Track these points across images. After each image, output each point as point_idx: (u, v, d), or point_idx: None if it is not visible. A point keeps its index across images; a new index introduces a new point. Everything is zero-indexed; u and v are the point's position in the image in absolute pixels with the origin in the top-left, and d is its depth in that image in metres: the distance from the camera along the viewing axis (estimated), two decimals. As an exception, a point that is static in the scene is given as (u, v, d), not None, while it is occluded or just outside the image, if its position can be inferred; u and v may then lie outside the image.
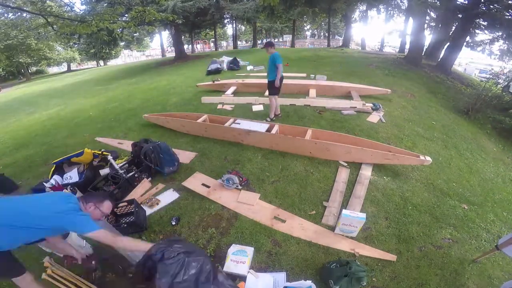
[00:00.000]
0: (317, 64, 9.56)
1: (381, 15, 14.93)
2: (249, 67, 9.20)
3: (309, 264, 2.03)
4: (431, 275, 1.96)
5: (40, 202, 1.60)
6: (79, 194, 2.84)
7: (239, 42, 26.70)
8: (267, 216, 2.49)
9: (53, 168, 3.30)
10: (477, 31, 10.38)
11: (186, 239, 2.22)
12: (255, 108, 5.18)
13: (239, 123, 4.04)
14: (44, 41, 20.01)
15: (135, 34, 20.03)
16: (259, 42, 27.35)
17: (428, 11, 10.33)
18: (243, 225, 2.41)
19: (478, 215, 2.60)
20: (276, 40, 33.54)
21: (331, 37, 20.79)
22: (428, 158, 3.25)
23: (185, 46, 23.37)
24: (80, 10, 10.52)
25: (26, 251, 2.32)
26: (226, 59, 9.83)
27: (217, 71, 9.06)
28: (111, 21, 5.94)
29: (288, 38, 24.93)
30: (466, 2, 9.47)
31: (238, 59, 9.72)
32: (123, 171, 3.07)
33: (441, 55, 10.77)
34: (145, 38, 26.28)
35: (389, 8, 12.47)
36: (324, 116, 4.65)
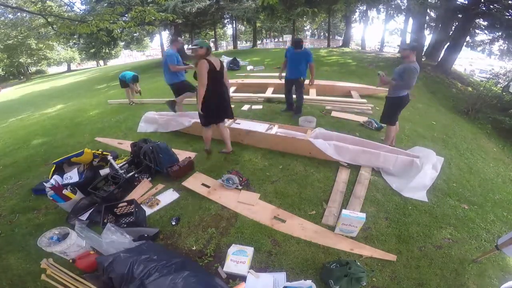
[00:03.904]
0: (317, 64, 9.56)
1: (381, 15, 14.95)
2: (249, 67, 9.21)
3: (309, 264, 2.03)
4: (431, 275, 1.96)
5: None
6: (79, 194, 2.84)
7: (239, 42, 26.67)
8: (267, 216, 2.49)
9: (53, 168, 3.30)
10: (477, 31, 10.39)
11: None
12: (254, 107, 5.18)
13: (239, 123, 4.04)
14: (44, 41, 20.02)
15: (135, 34, 20.02)
16: (259, 42, 27.36)
17: (428, 11, 10.34)
18: (243, 225, 2.41)
19: (478, 215, 2.60)
20: (276, 40, 33.51)
21: (331, 37, 20.79)
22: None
23: (185, 46, 23.34)
24: (80, 10, 10.54)
25: (26, 252, 2.33)
26: (225, 59, 9.84)
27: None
28: (111, 21, 5.94)
29: (288, 38, 24.91)
30: (466, 2, 9.47)
31: (238, 59, 9.72)
32: (123, 171, 3.07)
33: (441, 55, 10.78)
34: (145, 38, 26.24)
35: (389, 9, 12.47)
36: (325, 116, 4.64)
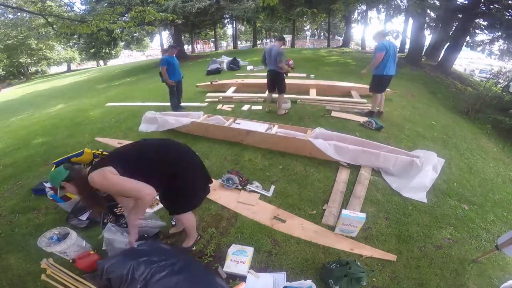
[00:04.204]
0: (317, 64, 9.56)
1: (381, 15, 14.95)
2: (249, 67, 9.21)
3: (309, 264, 2.03)
4: (431, 275, 1.96)
5: None
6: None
7: (239, 42, 26.69)
8: (267, 216, 2.49)
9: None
10: (477, 31, 10.39)
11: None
12: (254, 107, 5.18)
13: (239, 123, 4.05)
14: (44, 41, 20.02)
15: (135, 34, 20.03)
16: (259, 42, 27.38)
17: (428, 11, 10.34)
18: (243, 225, 2.41)
19: (478, 215, 2.60)
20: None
21: (331, 37, 20.81)
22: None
23: (185, 46, 23.39)
24: (80, 10, 10.54)
25: (26, 252, 2.33)
26: (225, 59, 9.83)
27: (217, 71, 9.06)
28: (111, 21, 5.94)
29: (288, 38, 24.96)
30: (466, 2, 9.48)
31: (237, 59, 9.72)
32: (123, 171, 3.06)
33: (441, 55, 10.78)
34: (145, 38, 26.26)
35: (389, 9, 12.48)
36: (324, 116, 4.65)
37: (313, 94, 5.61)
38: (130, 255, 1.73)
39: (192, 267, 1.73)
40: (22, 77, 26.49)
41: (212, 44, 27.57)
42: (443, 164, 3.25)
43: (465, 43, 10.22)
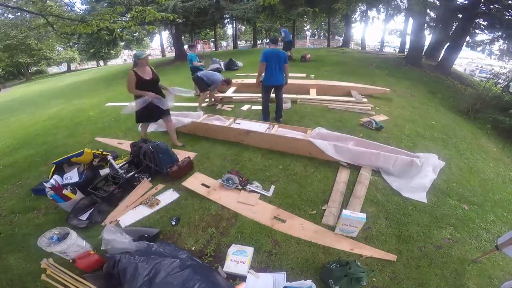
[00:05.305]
0: (317, 63, 9.56)
1: (381, 15, 14.96)
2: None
3: (309, 264, 2.03)
4: (431, 275, 1.96)
5: None
6: (79, 194, 2.84)
7: (239, 42, 26.69)
8: (267, 216, 2.49)
9: (53, 168, 3.30)
10: (477, 31, 10.40)
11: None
12: (254, 107, 5.18)
13: (239, 123, 4.05)
14: (44, 41, 19.99)
15: (135, 34, 20.03)
16: (259, 42, 27.40)
17: (428, 11, 10.34)
18: (243, 225, 2.41)
19: (478, 215, 2.60)
20: (276, 40, 33.47)
21: (331, 37, 20.82)
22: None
23: (185, 46, 23.37)
24: (80, 10, 10.52)
25: (26, 252, 2.33)
26: (221, 63, 9.68)
27: (217, 71, 9.04)
28: (111, 21, 5.92)
29: (288, 38, 24.98)
30: (466, 2, 9.48)
31: (233, 60, 9.74)
32: (123, 171, 3.07)
33: (441, 55, 10.78)
34: (145, 38, 26.24)
35: (389, 8, 12.49)
36: (325, 116, 4.65)
37: (313, 94, 5.62)
38: (138, 253, 1.77)
39: (196, 264, 1.77)
40: (21, 77, 26.47)
41: (212, 44, 27.55)
42: (443, 165, 3.25)
43: (465, 43, 10.21)
